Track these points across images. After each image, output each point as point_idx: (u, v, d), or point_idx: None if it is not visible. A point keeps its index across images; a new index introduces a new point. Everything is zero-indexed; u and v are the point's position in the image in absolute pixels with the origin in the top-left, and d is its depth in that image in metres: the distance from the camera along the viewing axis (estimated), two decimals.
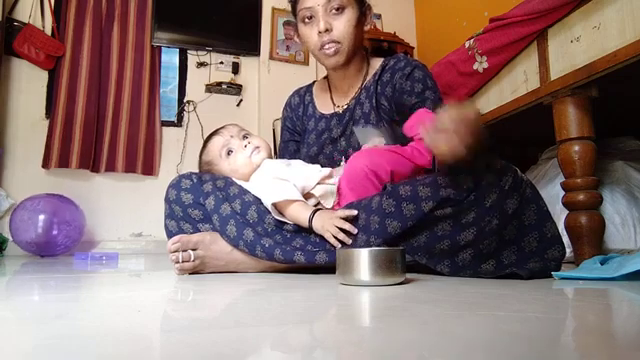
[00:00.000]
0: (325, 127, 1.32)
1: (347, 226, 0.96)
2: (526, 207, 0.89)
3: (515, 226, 0.89)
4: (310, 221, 0.99)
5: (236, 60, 3.14)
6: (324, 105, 1.36)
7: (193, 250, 1.03)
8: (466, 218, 0.88)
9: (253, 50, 3.15)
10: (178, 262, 1.02)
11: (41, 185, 2.60)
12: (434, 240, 0.90)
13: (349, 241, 0.96)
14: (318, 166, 1.20)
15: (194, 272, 1.04)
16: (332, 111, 1.33)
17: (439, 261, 0.91)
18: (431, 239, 0.90)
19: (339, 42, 1.19)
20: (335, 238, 0.96)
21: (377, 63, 1.31)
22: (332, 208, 1.08)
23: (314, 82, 1.46)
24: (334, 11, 1.18)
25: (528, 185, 0.91)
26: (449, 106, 0.80)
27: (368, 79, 1.29)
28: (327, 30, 1.18)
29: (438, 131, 0.79)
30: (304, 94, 1.42)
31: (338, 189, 1.10)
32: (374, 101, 1.24)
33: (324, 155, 1.30)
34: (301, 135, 1.40)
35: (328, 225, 0.97)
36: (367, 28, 1.26)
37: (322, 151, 1.31)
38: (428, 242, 0.90)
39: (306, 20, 1.21)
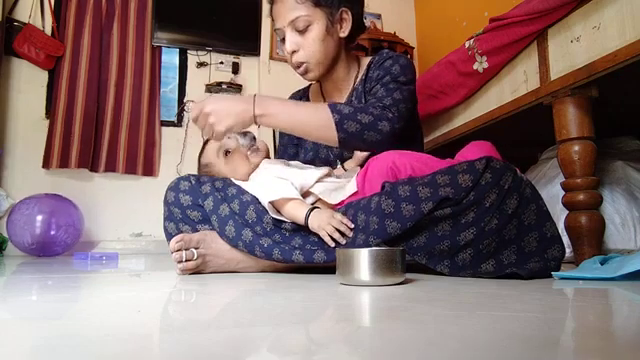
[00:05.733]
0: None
1: (343, 228, 0.96)
2: (526, 207, 0.89)
3: (515, 226, 0.89)
4: (306, 218, 0.99)
5: (236, 60, 3.14)
6: None
7: (195, 248, 1.03)
8: (466, 218, 0.88)
9: (253, 50, 3.15)
10: (181, 261, 1.01)
11: (41, 185, 2.61)
12: (434, 240, 0.90)
13: (343, 241, 0.96)
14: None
15: (195, 272, 1.04)
16: None
17: (439, 261, 0.91)
18: (431, 239, 0.90)
19: (306, 62, 1.20)
20: (331, 237, 0.96)
21: (366, 62, 1.31)
22: (338, 204, 1.08)
23: (310, 85, 1.46)
24: (299, 30, 1.17)
25: (528, 185, 0.91)
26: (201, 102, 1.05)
27: (358, 80, 1.29)
28: (294, 51, 1.19)
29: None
30: (300, 98, 1.43)
31: (360, 181, 1.09)
32: (363, 100, 1.23)
33: (320, 159, 1.31)
34: (299, 138, 1.41)
35: (324, 224, 0.97)
36: (346, 33, 1.23)
37: (318, 155, 1.31)
38: (428, 242, 0.90)
39: (282, 40, 1.22)
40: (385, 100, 1.12)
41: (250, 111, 1.04)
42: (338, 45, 1.24)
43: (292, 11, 1.16)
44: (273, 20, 1.24)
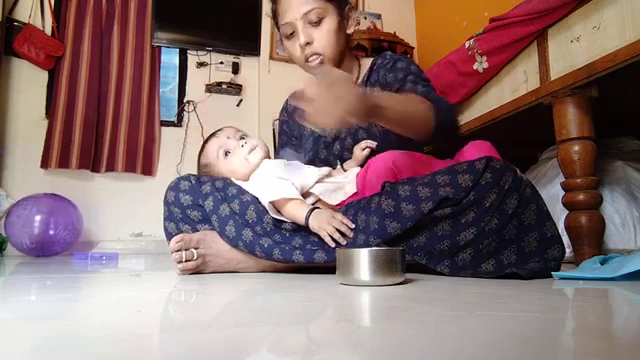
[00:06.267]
0: (320, 133, 1.32)
1: (343, 228, 0.96)
2: (526, 207, 0.89)
3: (515, 226, 0.89)
4: (307, 219, 0.99)
5: (236, 60, 3.14)
6: None
7: (195, 249, 1.03)
8: (466, 218, 0.88)
9: (253, 50, 3.15)
10: (181, 261, 1.01)
11: (41, 185, 2.61)
12: (434, 240, 0.90)
13: (344, 241, 0.96)
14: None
15: (195, 272, 1.04)
16: None
17: (439, 261, 0.91)
18: (431, 239, 0.90)
19: (322, 53, 1.20)
20: (331, 238, 0.96)
21: (367, 63, 1.31)
22: (338, 205, 1.08)
23: None
24: (313, 23, 1.17)
25: (528, 185, 0.91)
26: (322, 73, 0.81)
27: (359, 81, 1.29)
28: (308, 43, 1.19)
29: (305, 100, 0.81)
30: None
31: (360, 182, 1.08)
32: None
33: (319, 159, 1.31)
34: (298, 139, 1.41)
35: (324, 224, 0.97)
36: (351, 31, 1.24)
37: (317, 155, 1.31)
38: (428, 242, 0.90)
39: (288, 35, 1.21)
40: (431, 96, 1.13)
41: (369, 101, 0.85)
42: (346, 42, 1.25)
43: (305, 4, 1.16)
44: (274, 19, 1.24)
